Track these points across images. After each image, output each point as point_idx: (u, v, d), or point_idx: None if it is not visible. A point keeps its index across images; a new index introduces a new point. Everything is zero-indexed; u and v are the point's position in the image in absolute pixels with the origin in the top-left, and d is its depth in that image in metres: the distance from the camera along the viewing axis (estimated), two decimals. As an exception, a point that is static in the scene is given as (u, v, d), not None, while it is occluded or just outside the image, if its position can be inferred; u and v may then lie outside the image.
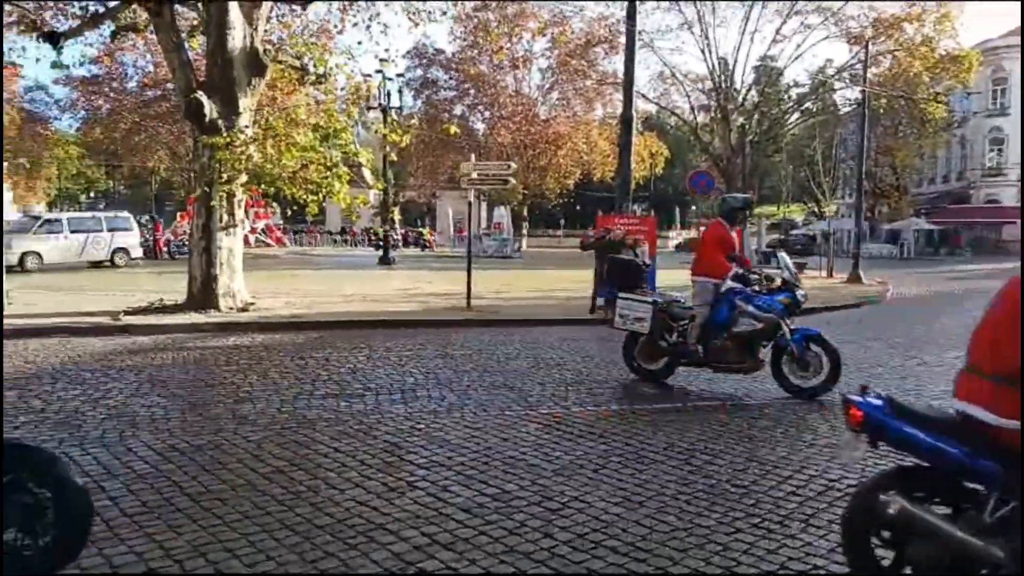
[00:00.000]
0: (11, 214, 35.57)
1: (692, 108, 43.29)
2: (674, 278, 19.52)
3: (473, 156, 16.76)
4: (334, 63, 13.91)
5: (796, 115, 46.83)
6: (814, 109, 46.36)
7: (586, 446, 5.68)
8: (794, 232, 54.10)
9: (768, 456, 5.51)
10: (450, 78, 46.47)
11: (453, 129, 19.13)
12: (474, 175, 14.55)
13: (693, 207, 63.33)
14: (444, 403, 7.00)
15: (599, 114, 47.05)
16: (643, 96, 39.67)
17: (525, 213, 49.83)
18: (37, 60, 26.17)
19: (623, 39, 19.76)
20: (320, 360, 9.11)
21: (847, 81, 39.85)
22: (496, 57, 39.99)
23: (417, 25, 17.07)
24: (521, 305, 15.35)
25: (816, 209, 57.68)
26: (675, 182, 64.32)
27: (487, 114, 47.37)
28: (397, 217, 41.80)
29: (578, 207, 60.83)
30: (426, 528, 4.12)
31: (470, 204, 15.56)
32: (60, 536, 3.39)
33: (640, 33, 20.54)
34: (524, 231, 49.21)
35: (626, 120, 15.59)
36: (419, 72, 45.82)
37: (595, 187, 48.94)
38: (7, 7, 14.18)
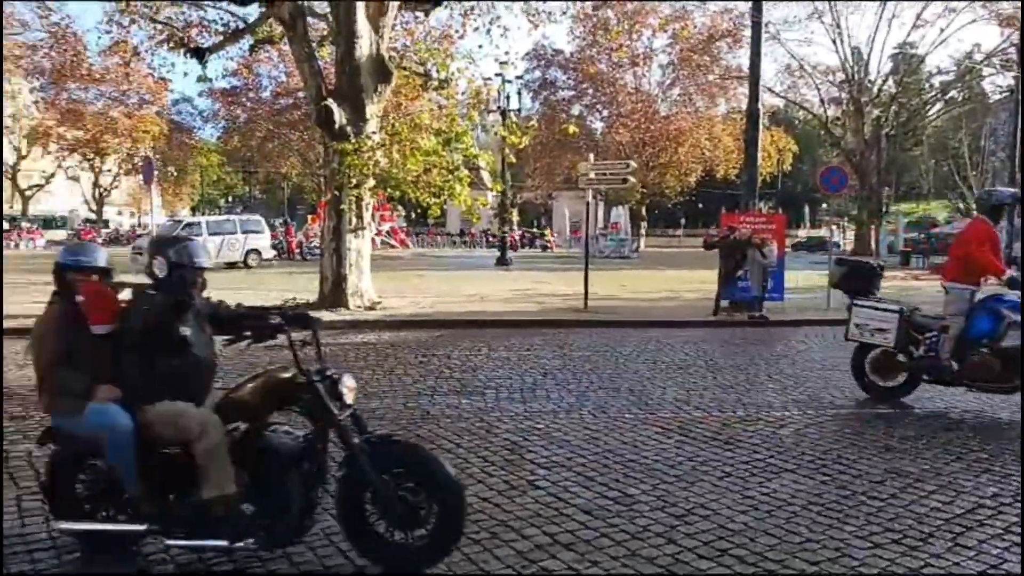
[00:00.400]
0: (159, 218, 38.59)
1: (822, 101, 41.43)
2: (804, 280, 18.73)
3: (592, 156, 16.68)
4: (455, 68, 14.19)
5: (939, 105, 43.90)
6: (959, 98, 43.25)
7: (710, 452, 5.52)
8: (935, 231, 50.54)
9: (909, 468, 5.17)
10: (568, 78, 46.42)
11: (572, 129, 19.08)
12: (592, 175, 14.47)
13: (824, 205, 60.57)
14: (562, 403, 7.00)
15: (722, 109, 45.75)
16: (769, 90, 38.36)
17: (643, 212, 49.10)
18: (184, 75, 28.54)
19: (748, 32, 19.15)
20: (442, 358, 9.32)
21: (997, 66, 36.96)
22: (616, 55, 39.57)
23: (536, 27, 17.21)
24: (640, 306, 15.14)
25: (961, 206, 53.72)
26: (804, 178, 61.66)
27: (605, 113, 47.02)
28: (515, 218, 42.25)
29: (700, 205, 59.35)
30: (548, 528, 4.12)
31: (588, 204, 15.49)
32: (439, 530, 3.47)
33: (766, 25, 19.81)
34: (642, 231, 48.51)
35: (752, 115, 15.10)
36: (537, 73, 46.05)
37: (718, 184, 47.58)
38: (157, 26, 15.36)
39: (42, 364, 3.63)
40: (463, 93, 14.97)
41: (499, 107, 26.79)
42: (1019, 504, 4.49)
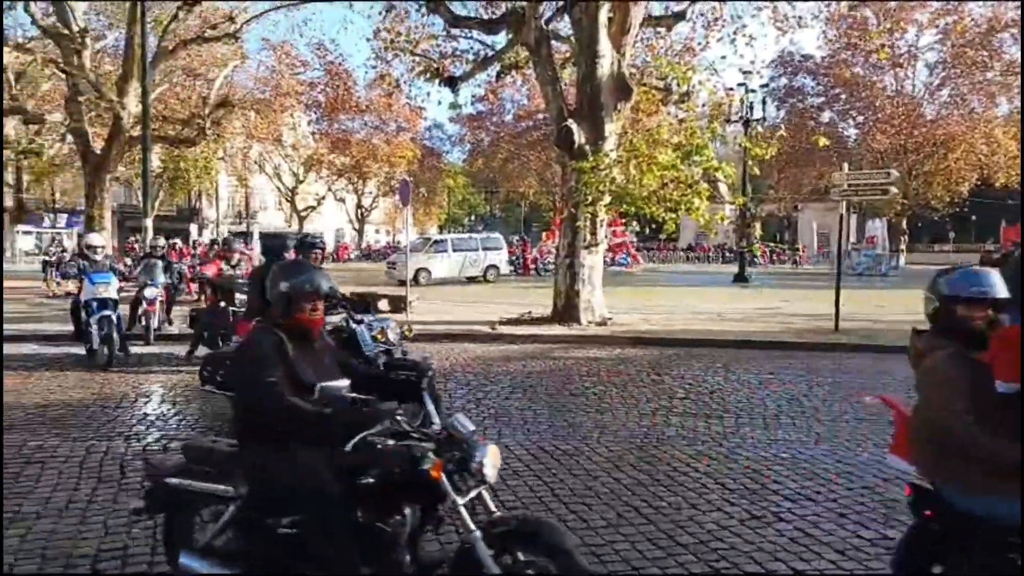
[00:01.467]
0: (412, 236, 41.97)
1: None
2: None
3: (845, 165, 15.47)
4: (697, 80, 13.87)
5: None
6: None
7: (991, 498, 4.81)
8: None
9: None
10: (818, 83, 43.65)
11: (823, 140, 17.67)
12: (846, 185, 13.42)
13: None
14: (811, 433, 6.49)
15: (1003, 110, 40.38)
16: (1065, 83, 33.18)
17: (904, 225, 44.64)
18: (439, 103, 30.77)
19: (1039, 18, 16.71)
20: (676, 377, 9.09)
21: None
22: (878, 55, 36.38)
23: (784, 33, 16.39)
24: (899, 330, 13.66)
25: None
26: (1110, 185, 52.45)
27: (860, 119, 43.53)
28: (757, 232, 40.38)
29: (973, 217, 52.69)
30: (795, 563, 3.84)
31: (841, 217, 14.34)
32: None
33: (1063, 9, 17.15)
34: (902, 245, 44.10)
35: (1043, 113, 13.14)
36: (783, 80, 43.78)
37: (997, 194, 42.00)
38: (416, 58, 16.72)
39: (936, 425, 2.92)
40: (703, 105, 14.56)
41: (741, 117, 25.83)
42: None
